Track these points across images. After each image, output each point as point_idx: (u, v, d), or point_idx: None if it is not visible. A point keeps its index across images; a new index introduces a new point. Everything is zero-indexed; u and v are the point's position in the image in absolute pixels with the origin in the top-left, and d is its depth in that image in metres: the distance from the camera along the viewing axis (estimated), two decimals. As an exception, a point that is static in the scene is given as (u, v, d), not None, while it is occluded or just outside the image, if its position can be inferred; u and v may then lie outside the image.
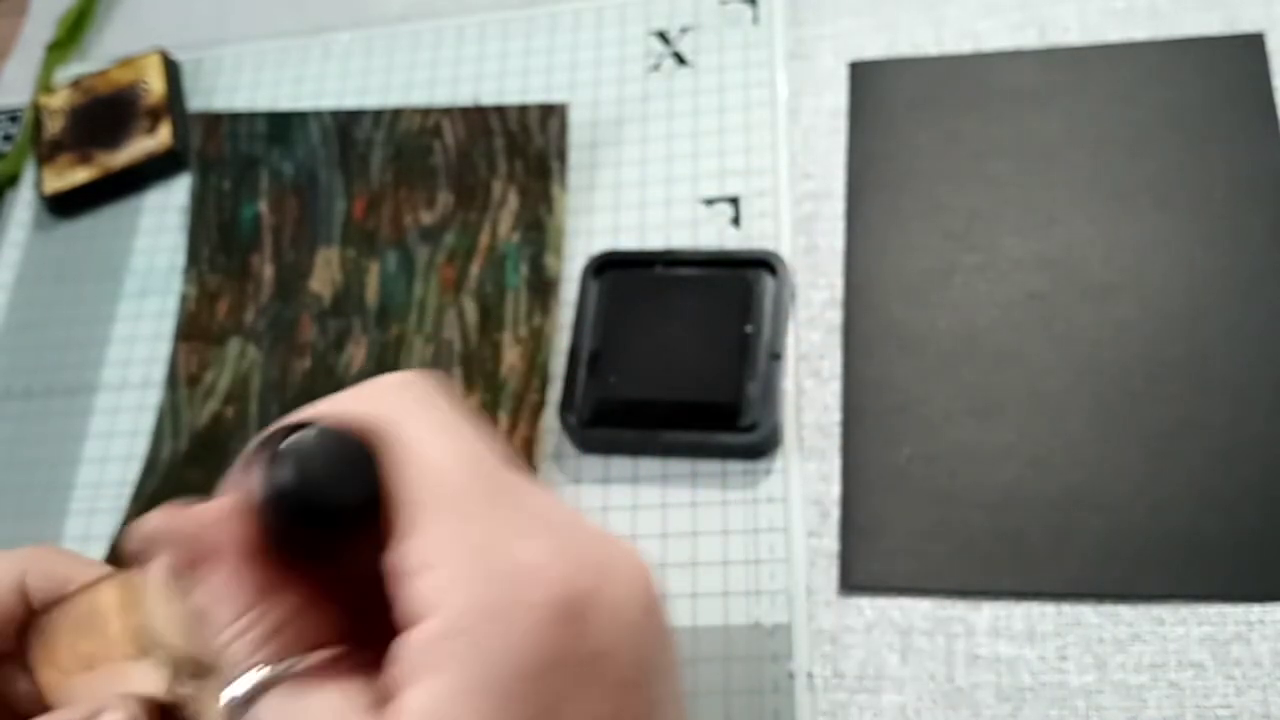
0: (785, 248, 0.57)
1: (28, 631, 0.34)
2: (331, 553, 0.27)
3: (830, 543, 0.51)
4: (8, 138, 0.73)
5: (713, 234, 0.59)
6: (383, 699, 0.26)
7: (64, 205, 0.68)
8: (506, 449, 0.28)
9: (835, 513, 0.51)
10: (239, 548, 0.27)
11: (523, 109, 0.63)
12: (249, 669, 0.26)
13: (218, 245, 0.64)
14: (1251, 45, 0.57)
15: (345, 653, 0.27)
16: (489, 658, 0.25)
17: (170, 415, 0.59)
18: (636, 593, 0.27)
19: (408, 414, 0.28)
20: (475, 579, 0.26)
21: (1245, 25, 0.58)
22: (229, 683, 0.26)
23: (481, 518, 0.26)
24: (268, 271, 0.62)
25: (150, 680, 0.33)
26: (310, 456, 0.26)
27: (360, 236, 0.62)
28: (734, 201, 0.59)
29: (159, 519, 0.28)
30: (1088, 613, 0.47)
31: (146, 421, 0.60)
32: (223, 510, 0.28)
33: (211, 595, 0.27)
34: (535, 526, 0.27)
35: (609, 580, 0.27)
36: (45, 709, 0.33)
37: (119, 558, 0.54)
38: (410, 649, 0.26)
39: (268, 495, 0.26)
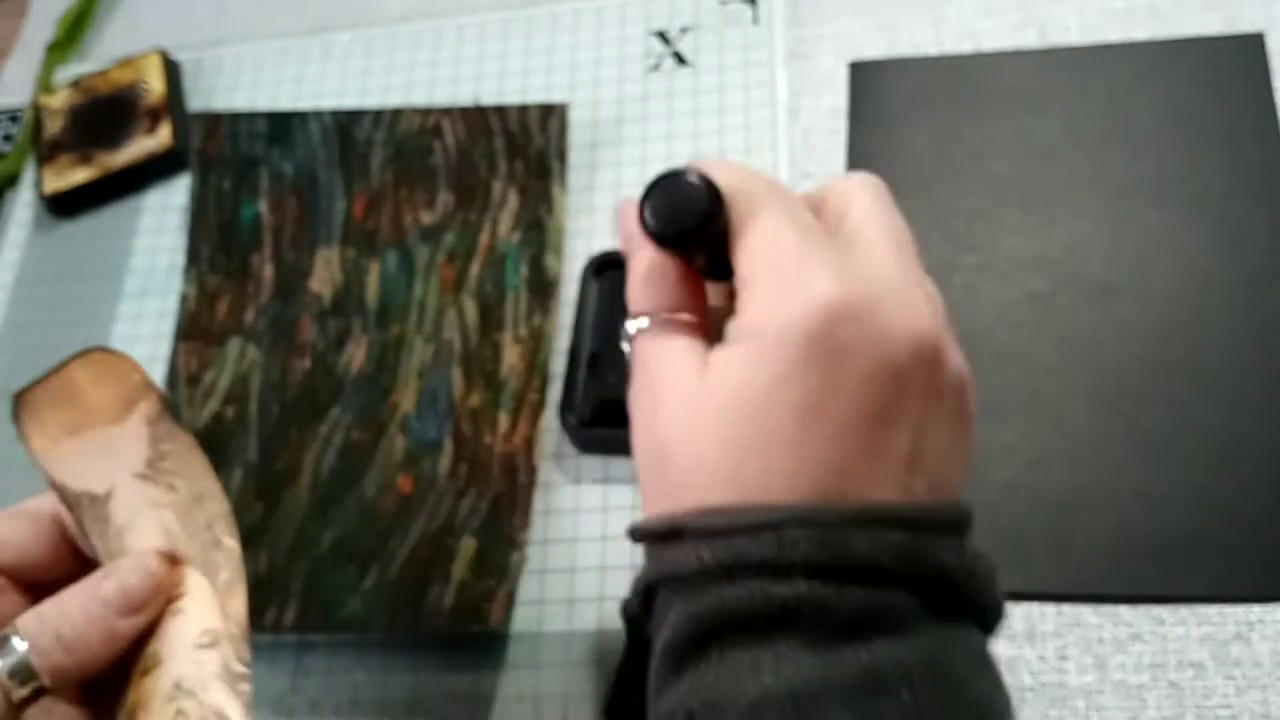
0: (785, 248, 0.57)
1: (17, 408, 0.40)
2: (694, 251, 0.36)
3: (830, 543, 0.51)
4: (8, 138, 0.73)
5: (713, 234, 0.58)
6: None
7: (64, 205, 0.68)
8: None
9: (835, 513, 0.51)
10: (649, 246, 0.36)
11: (523, 109, 0.63)
12: (647, 312, 0.36)
13: (218, 245, 0.64)
14: (1251, 45, 0.57)
15: (692, 320, 0.36)
16: (765, 333, 0.33)
17: (170, 415, 0.59)
18: (902, 330, 0.33)
19: (746, 177, 0.36)
20: (775, 270, 0.33)
21: (1245, 25, 0.58)
22: (631, 318, 0.36)
23: (784, 233, 0.34)
24: (268, 271, 0.62)
25: (134, 442, 0.40)
26: (674, 180, 0.35)
27: (360, 236, 0.62)
28: (734, 201, 0.59)
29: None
30: (1088, 613, 0.47)
31: (146, 421, 0.60)
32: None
33: (636, 262, 0.37)
34: (829, 255, 0.34)
35: (875, 302, 0.33)
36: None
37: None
38: (729, 329, 0.34)
39: (652, 206, 0.35)
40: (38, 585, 0.39)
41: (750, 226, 0.34)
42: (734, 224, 0.35)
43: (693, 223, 0.35)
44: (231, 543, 0.39)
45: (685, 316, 0.36)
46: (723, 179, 0.35)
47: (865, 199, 0.36)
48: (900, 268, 0.35)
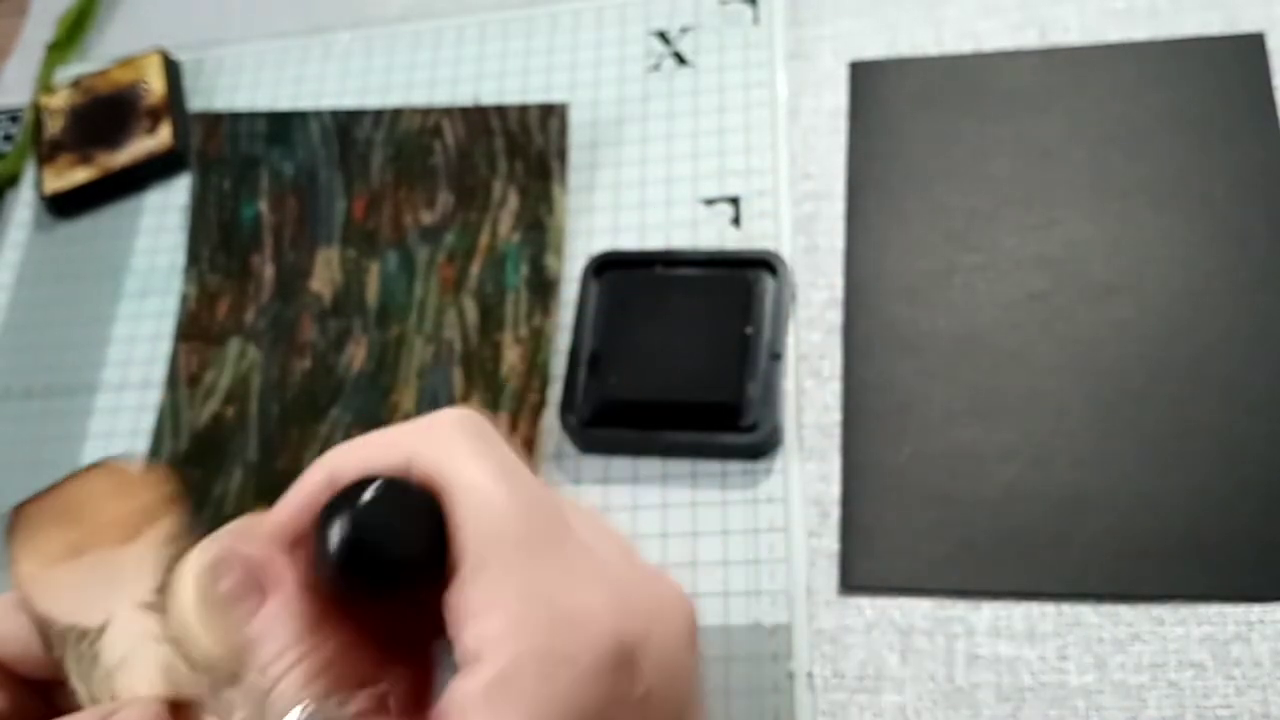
0: (785, 248, 0.57)
1: (12, 526, 0.34)
2: (393, 598, 0.28)
3: (830, 543, 0.51)
4: (8, 138, 0.73)
5: (713, 234, 0.59)
6: None
7: (64, 205, 0.68)
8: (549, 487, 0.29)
9: (835, 513, 0.51)
10: (297, 580, 0.28)
11: (523, 109, 0.63)
12: (296, 703, 0.27)
13: (218, 245, 0.64)
14: (1251, 45, 0.57)
15: (388, 691, 0.28)
16: (540, 706, 0.25)
17: (170, 415, 0.59)
18: (681, 632, 0.28)
19: (468, 457, 0.28)
20: (528, 627, 0.26)
21: (1245, 25, 0.58)
22: (277, 715, 0.27)
23: (536, 566, 0.27)
24: (268, 271, 0.62)
25: (142, 566, 0.33)
26: (376, 517, 0.27)
27: (360, 236, 0.62)
28: (734, 201, 0.59)
29: (229, 540, 0.29)
30: (1088, 613, 0.47)
31: (146, 421, 0.60)
32: (285, 538, 0.29)
33: (266, 622, 0.28)
34: (588, 573, 0.27)
35: (658, 623, 0.27)
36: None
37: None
38: (462, 694, 0.26)
39: (338, 554, 0.27)
40: (35, 680, 0.34)
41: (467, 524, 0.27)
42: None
43: (422, 560, 0.27)
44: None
45: (371, 692, 0.28)
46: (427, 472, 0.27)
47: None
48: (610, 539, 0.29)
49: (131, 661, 0.32)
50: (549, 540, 0.27)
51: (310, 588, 0.28)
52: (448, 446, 0.28)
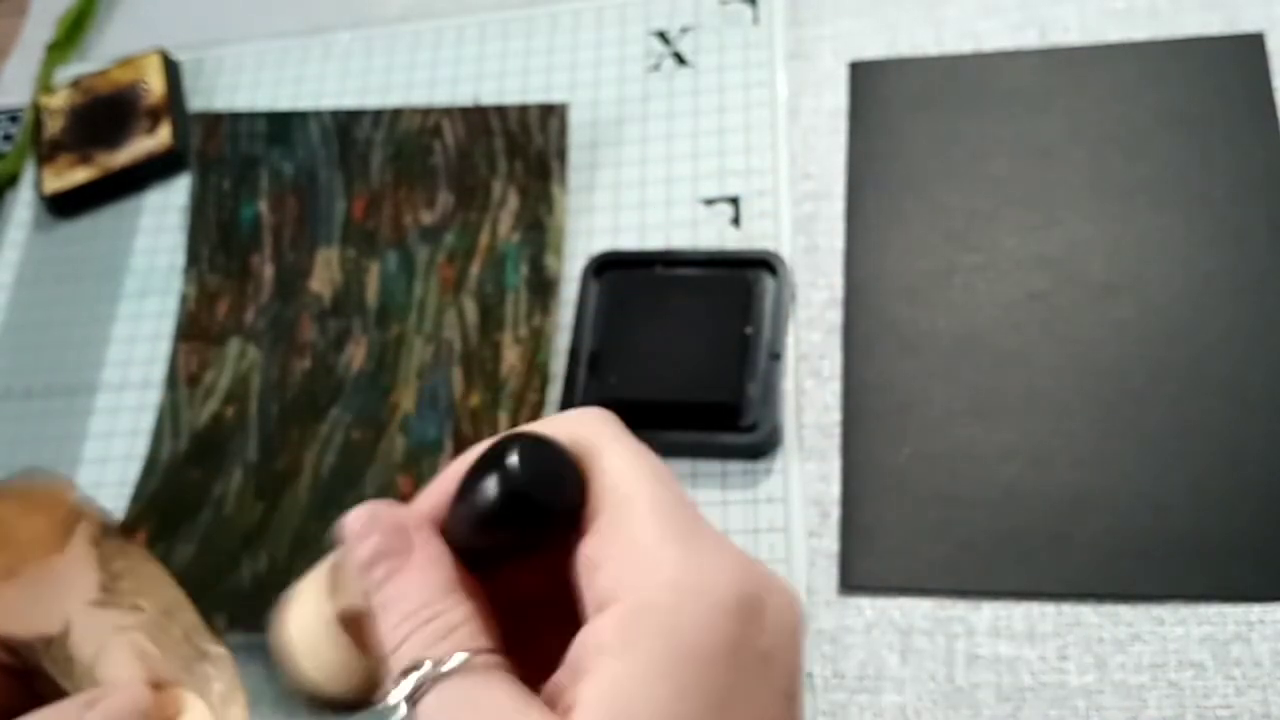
0: (785, 248, 0.57)
1: None
2: (535, 547, 0.30)
3: (830, 543, 0.51)
4: (8, 138, 0.73)
5: (713, 234, 0.59)
6: (551, 699, 0.27)
7: (64, 205, 0.68)
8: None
9: (835, 513, 0.51)
10: (431, 548, 0.30)
11: (523, 109, 0.63)
12: (423, 663, 0.28)
13: (218, 245, 0.64)
14: (1251, 45, 0.57)
15: (509, 658, 0.29)
16: (670, 639, 0.26)
17: (170, 415, 0.59)
18: (797, 611, 0.29)
19: (609, 440, 0.30)
20: (661, 569, 0.27)
21: (1245, 25, 0.58)
22: (401, 674, 0.28)
23: (669, 523, 0.29)
24: (268, 271, 0.62)
25: (82, 569, 0.34)
26: (538, 462, 0.29)
27: (360, 236, 0.62)
28: (734, 201, 0.59)
29: (370, 510, 0.31)
30: (1088, 613, 0.47)
31: (146, 421, 0.60)
32: (422, 513, 0.30)
33: (400, 586, 0.29)
34: (715, 539, 0.29)
35: (776, 595, 0.28)
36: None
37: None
38: (594, 631, 0.27)
39: (494, 502, 0.28)
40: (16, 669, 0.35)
41: (606, 501, 0.29)
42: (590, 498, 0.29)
43: (562, 508, 0.29)
44: (218, 649, 0.36)
45: (483, 655, 0.28)
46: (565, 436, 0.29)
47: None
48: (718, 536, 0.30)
49: (106, 653, 0.33)
50: (679, 507, 0.29)
51: (440, 561, 0.30)
52: (595, 425, 0.30)
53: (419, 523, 0.30)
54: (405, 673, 0.28)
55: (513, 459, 0.28)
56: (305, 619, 0.32)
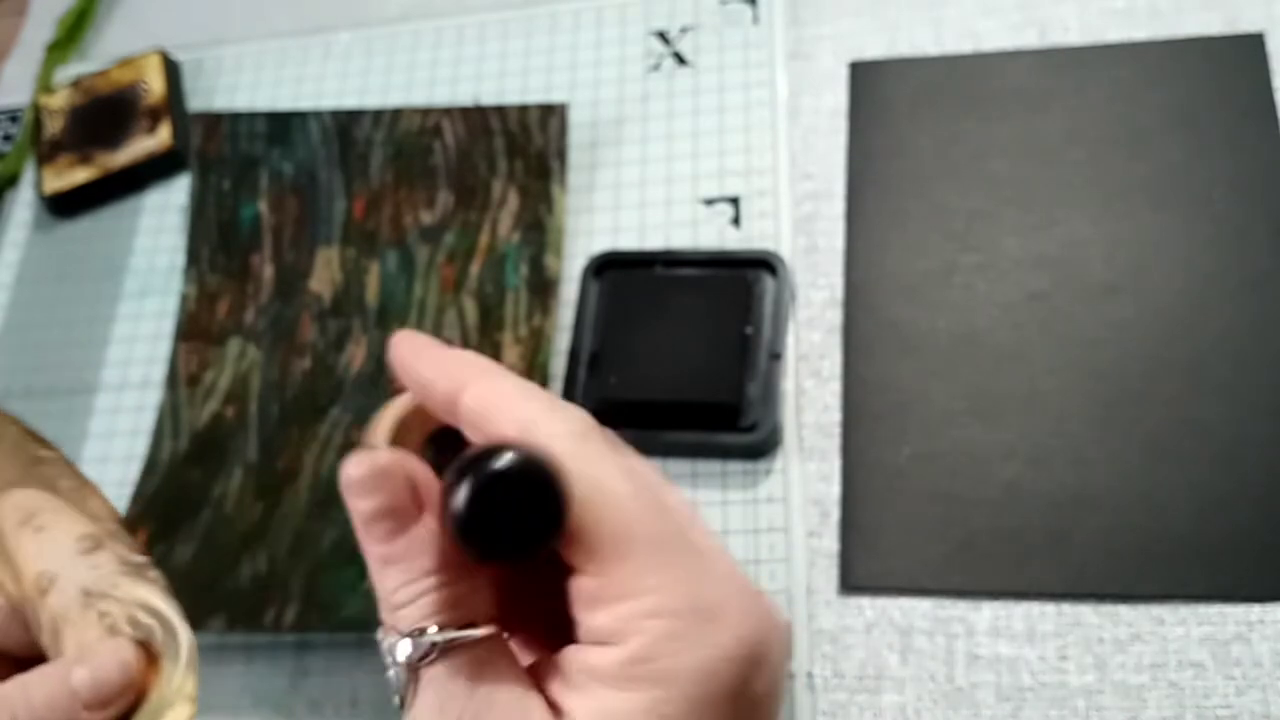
0: (785, 248, 0.57)
1: None
2: (504, 567, 0.30)
3: (830, 543, 0.51)
4: (8, 138, 0.73)
5: (713, 234, 0.59)
6: (539, 682, 0.28)
7: (64, 205, 0.68)
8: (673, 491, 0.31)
9: (835, 513, 0.51)
10: (440, 521, 0.30)
11: (523, 109, 0.63)
12: (418, 627, 0.28)
13: (218, 245, 0.64)
14: (1251, 45, 0.57)
15: (501, 635, 0.29)
16: (671, 688, 0.27)
17: (170, 415, 0.59)
18: (787, 650, 0.30)
19: (599, 459, 0.30)
20: (668, 613, 0.27)
21: (1245, 25, 0.58)
22: (400, 636, 0.28)
23: (674, 562, 0.29)
24: (268, 271, 0.62)
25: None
26: (496, 493, 0.28)
27: (360, 236, 0.62)
28: (734, 201, 0.59)
29: (372, 461, 0.31)
30: (1088, 613, 0.47)
31: (146, 421, 0.60)
32: (435, 485, 0.30)
33: (408, 545, 0.29)
34: (721, 574, 0.29)
35: (777, 635, 0.29)
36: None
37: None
38: (594, 666, 0.28)
39: (457, 521, 0.28)
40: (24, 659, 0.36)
41: (602, 516, 0.29)
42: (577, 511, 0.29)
43: (536, 541, 0.28)
44: (50, 452, 0.36)
45: (490, 630, 0.29)
46: (560, 455, 0.29)
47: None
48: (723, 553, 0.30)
49: (71, 616, 0.34)
50: (681, 539, 0.29)
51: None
52: (584, 440, 0.30)
53: (426, 481, 0.30)
54: (410, 636, 0.28)
55: (458, 499, 0.27)
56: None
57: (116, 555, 0.34)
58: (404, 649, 0.28)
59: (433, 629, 0.28)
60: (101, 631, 0.33)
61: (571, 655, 0.29)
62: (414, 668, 0.28)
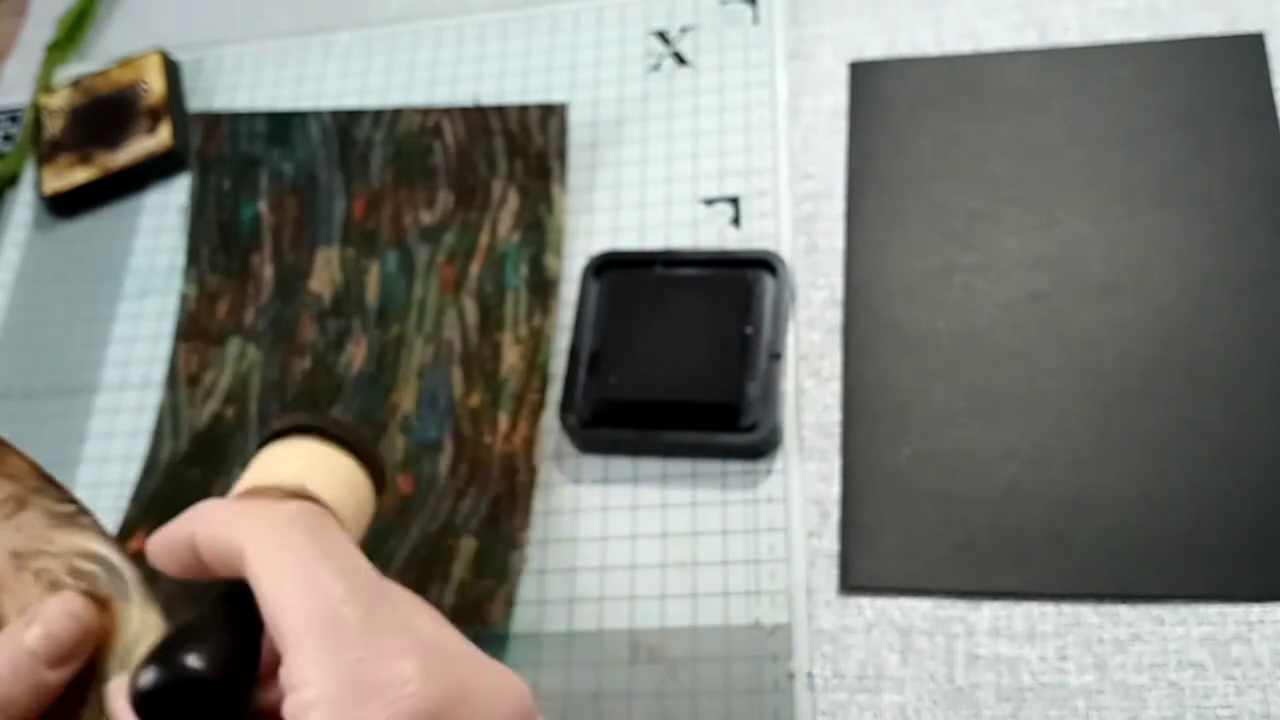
0: (785, 248, 0.57)
1: None
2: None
3: (830, 543, 0.51)
4: (8, 138, 0.73)
5: (713, 234, 0.59)
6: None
7: (64, 205, 0.68)
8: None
9: (835, 513, 0.51)
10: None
11: (523, 109, 0.63)
12: None
13: (218, 245, 0.64)
14: (1251, 45, 0.57)
15: None
16: None
17: (170, 415, 0.59)
18: (508, 712, 0.31)
19: (254, 556, 0.32)
20: (332, 693, 0.29)
21: (1245, 25, 0.58)
22: None
23: (347, 644, 0.30)
24: (268, 271, 0.62)
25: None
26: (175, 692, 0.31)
27: (360, 236, 0.62)
28: (734, 201, 0.59)
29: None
30: (1088, 613, 0.47)
31: (146, 421, 0.60)
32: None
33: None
34: (400, 647, 0.31)
35: (469, 700, 0.30)
36: None
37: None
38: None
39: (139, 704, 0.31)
40: None
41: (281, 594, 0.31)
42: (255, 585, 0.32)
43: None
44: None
45: None
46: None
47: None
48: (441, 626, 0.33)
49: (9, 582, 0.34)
50: (363, 621, 0.31)
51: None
52: (277, 549, 0.32)
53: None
54: None
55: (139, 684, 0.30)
56: None
57: (43, 510, 0.34)
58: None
59: None
60: (42, 589, 0.33)
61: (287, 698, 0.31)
62: None
